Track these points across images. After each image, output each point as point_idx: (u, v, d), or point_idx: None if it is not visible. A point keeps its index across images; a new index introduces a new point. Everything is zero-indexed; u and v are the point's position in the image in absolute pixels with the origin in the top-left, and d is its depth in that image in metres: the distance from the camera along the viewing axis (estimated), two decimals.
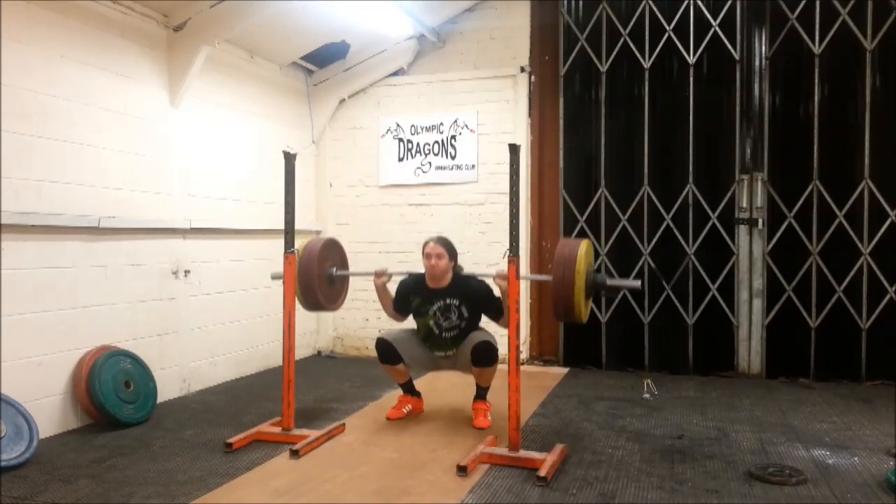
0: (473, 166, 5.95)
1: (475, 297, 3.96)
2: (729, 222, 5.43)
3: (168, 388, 4.55)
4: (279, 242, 3.82)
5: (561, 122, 5.81)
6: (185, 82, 4.59)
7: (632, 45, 5.60)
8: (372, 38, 5.82)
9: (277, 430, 3.72)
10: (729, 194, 5.41)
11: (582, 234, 5.74)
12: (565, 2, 5.78)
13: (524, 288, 5.74)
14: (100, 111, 4.10)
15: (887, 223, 5.11)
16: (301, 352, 6.03)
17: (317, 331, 6.44)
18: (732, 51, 5.38)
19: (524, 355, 5.85)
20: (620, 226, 5.64)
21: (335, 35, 5.69)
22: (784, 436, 3.78)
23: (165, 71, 4.58)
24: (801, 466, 3.25)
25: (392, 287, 4.14)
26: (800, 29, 5.24)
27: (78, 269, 3.94)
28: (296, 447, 3.43)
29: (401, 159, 6.16)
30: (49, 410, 3.75)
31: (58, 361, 3.82)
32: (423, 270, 3.99)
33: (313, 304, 3.88)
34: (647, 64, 5.57)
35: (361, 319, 6.35)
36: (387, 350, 4.01)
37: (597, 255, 5.67)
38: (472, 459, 3.24)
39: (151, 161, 4.47)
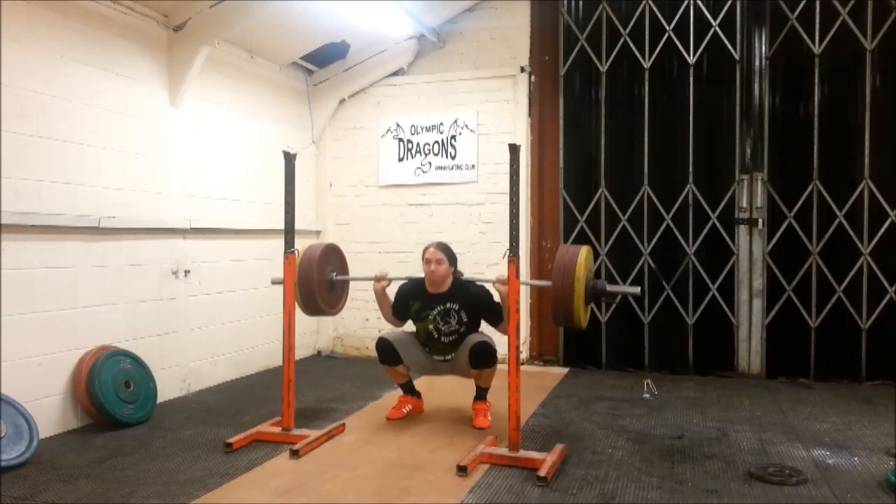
0: (473, 166, 5.95)
1: (475, 302, 3.96)
2: (729, 222, 5.43)
3: (168, 388, 4.55)
4: (279, 242, 3.82)
5: (561, 122, 5.81)
6: (185, 82, 4.59)
7: (632, 45, 5.60)
8: (372, 38, 5.82)
9: (277, 430, 3.72)
10: (729, 194, 5.41)
11: (582, 235, 5.75)
12: (565, 2, 5.78)
13: (524, 288, 5.74)
14: (100, 111, 4.10)
15: (887, 223, 5.11)
16: (301, 352, 6.03)
17: (317, 331, 6.44)
18: (732, 51, 5.38)
19: (524, 355, 5.85)
20: (620, 226, 5.64)
21: (335, 35, 5.69)
22: (784, 436, 3.78)
23: (165, 71, 4.58)
24: (801, 466, 3.25)
25: (391, 291, 4.13)
26: (800, 29, 5.24)
27: (78, 269, 3.94)
28: (296, 447, 3.43)
29: (401, 159, 6.16)
30: (49, 410, 3.75)
31: (58, 361, 3.82)
32: (422, 275, 3.98)
33: (313, 309, 3.89)
34: (647, 64, 5.57)
35: (361, 319, 6.35)
36: (387, 350, 4.01)
37: (596, 255, 5.68)
38: (472, 459, 3.24)
39: (151, 161, 4.47)
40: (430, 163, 6.06)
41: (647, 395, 4.69)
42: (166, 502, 2.86)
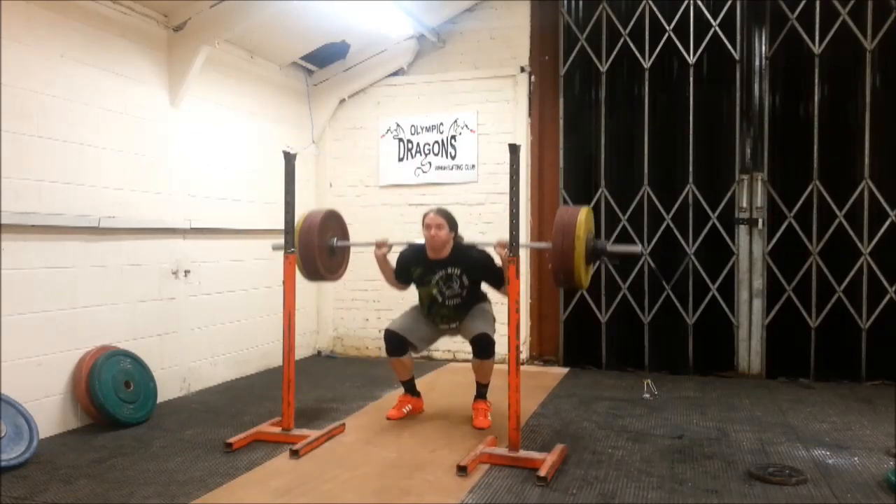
0: (473, 166, 5.95)
1: (476, 267, 3.97)
2: (729, 222, 5.43)
3: (168, 388, 4.55)
4: (279, 242, 3.81)
5: (561, 122, 5.81)
6: (185, 82, 4.59)
7: (632, 45, 5.60)
8: (372, 38, 5.82)
9: (277, 430, 3.72)
10: (729, 194, 5.41)
11: None
12: (565, 2, 5.78)
13: (524, 288, 5.75)
14: (100, 111, 4.10)
15: (887, 223, 5.11)
16: (301, 352, 6.03)
17: (317, 331, 6.44)
18: (732, 51, 5.38)
19: (524, 355, 5.85)
20: (620, 226, 5.64)
21: (335, 35, 5.69)
22: (784, 436, 3.78)
23: (165, 71, 4.58)
24: (801, 466, 3.25)
25: (391, 263, 4.15)
26: (800, 29, 5.24)
27: (78, 269, 3.94)
28: (296, 447, 3.43)
29: (401, 159, 6.17)
30: (49, 410, 3.75)
31: (58, 361, 3.82)
32: (422, 240, 3.98)
33: (314, 274, 3.85)
34: (647, 64, 5.57)
35: (361, 319, 6.36)
36: (393, 339, 4.03)
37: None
38: (472, 459, 3.24)
39: (151, 161, 4.47)
40: (430, 163, 6.06)
41: (647, 395, 4.69)
42: (166, 502, 2.85)
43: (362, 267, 6.32)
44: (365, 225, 6.31)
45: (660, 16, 5.53)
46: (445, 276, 3.97)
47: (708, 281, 5.46)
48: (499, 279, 3.89)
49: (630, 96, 5.64)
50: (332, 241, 3.93)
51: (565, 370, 5.63)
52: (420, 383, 4.34)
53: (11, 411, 3.39)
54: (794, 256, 5.30)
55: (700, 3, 5.45)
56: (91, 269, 4.03)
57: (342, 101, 6.30)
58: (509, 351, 3.36)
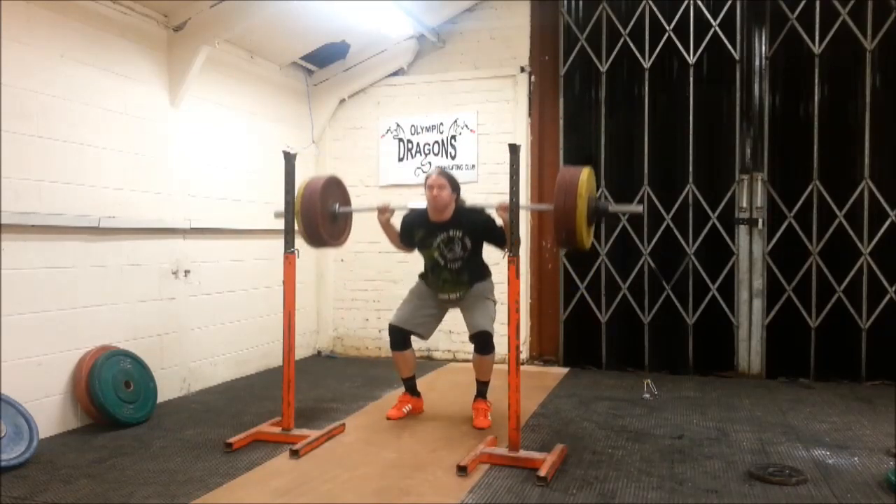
0: (473, 166, 5.95)
1: (478, 229, 3.96)
2: (729, 222, 5.43)
3: (168, 388, 4.55)
4: (279, 242, 3.82)
5: (561, 122, 5.81)
6: (185, 82, 4.59)
7: (632, 45, 5.60)
8: (372, 38, 5.82)
9: (277, 430, 3.72)
10: (729, 194, 5.41)
11: None
12: (565, 2, 5.78)
13: (524, 288, 5.75)
14: (100, 111, 4.10)
15: (887, 223, 5.11)
16: (301, 352, 6.03)
17: (317, 331, 6.44)
18: (732, 51, 5.38)
19: (524, 355, 5.85)
20: (620, 226, 5.64)
21: (335, 35, 5.69)
22: (784, 436, 3.78)
23: (165, 71, 4.58)
24: (801, 466, 3.25)
25: (395, 227, 4.17)
26: (800, 29, 5.24)
27: (78, 269, 3.94)
28: (296, 447, 3.43)
29: (401, 159, 6.17)
30: (49, 410, 3.75)
31: (58, 361, 3.82)
32: (424, 204, 3.99)
33: (316, 239, 3.84)
34: (647, 64, 5.57)
35: (361, 319, 6.36)
36: (396, 332, 4.06)
37: (597, 255, 5.68)
38: (472, 459, 3.24)
39: (151, 161, 4.47)
40: (430, 163, 6.06)
41: (647, 395, 4.69)
42: (166, 502, 2.85)
43: (362, 267, 6.35)
44: (365, 225, 6.31)
45: (660, 16, 5.53)
46: (447, 239, 3.95)
47: (708, 281, 5.46)
48: (501, 239, 3.89)
49: (630, 96, 5.64)
50: (334, 207, 3.90)
51: (565, 370, 5.63)
52: (420, 383, 4.34)
53: (11, 411, 3.39)
54: (794, 256, 5.30)
55: (700, 3, 5.45)
56: (91, 269, 4.03)
57: (342, 101, 6.30)
58: (509, 351, 3.36)
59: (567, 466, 3.26)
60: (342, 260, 6.42)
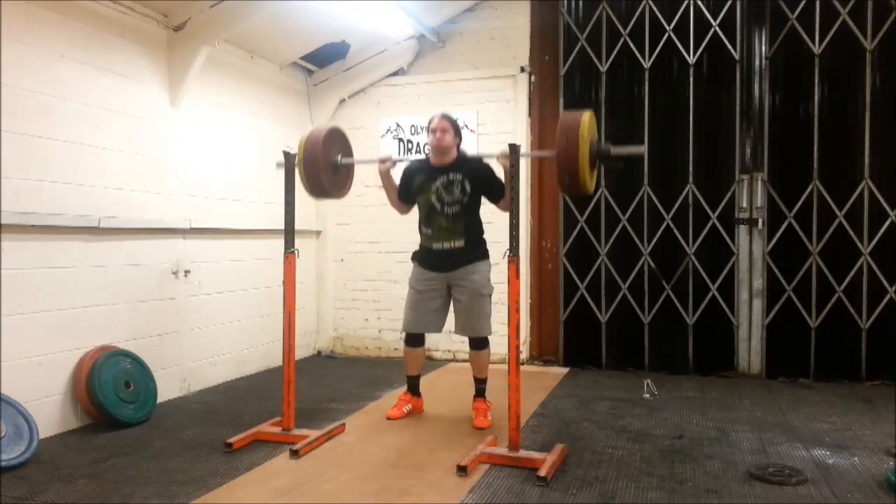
0: None
1: (479, 175, 3.96)
2: (729, 222, 5.43)
3: (168, 388, 4.55)
4: (279, 242, 3.82)
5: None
6: (185, 82, 4.59)
7: (632, 45, 5.60)
8: (372, 38, 5.82)
9: (277, 430, 3.72)
10: (729, 194, 5.41)
11: (582, 235, 5.75)
12: (565, 2, 5.79)
13: (524, 288, 5.75)
14: (100, 111, 4.10)
15: (887, 223, 5.11)
16: (301, 352, 6.03)
17: (317, 331, 6.44)
18: (732, 51, 5.38)
19: (524, 355, 5.85)
20: (620, 226, 5.64)
21: (335, 35, 5.69)
22: (784, 436, 3.78)
23: (165, 71, 4.58)
24: (801, 466, 3.25)
25: (395, 181, 4.18)
26: (800, 29, 5.24)
27: (78, 269, 3.94)
28: (296, 447, 3.43)
29: (401, 161, 6.15)
30: (49, 410, 3.75)
31: (58, 361, 3.82)
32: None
33: (319, 190, 3.81)
34: (647, 64, 5.57)
35: (361, 319, 6.36)
36: (410, 336, 4.13)
37: (596, 255, 5.69)
38: (472, 459, 3.24)
39: (151, 161, 4.47)
40: None
41: (647, 395, 4.69)
42: (166, 502, 2.85)
43: (362, 267, 6.35)
44: (365, 225, 6.33)
45: (660, 16, 5.53)
46: (447, 182, 3.94)
47: (708, 281, 5.46)
48: (500, 189, 3.92)
49: (630, 96, 5.64)
50: (336, 158, 3.89)
51: (565, 370, 5.63)
52: (420, 383, 4.33)
53: (11, 411, 3.38)
54: (794, 256, 5.30)
55: (700, 3, 5.45)
56: (91, 269, 4.03)
57: (342, 101, 6.30)
58: (509, 351, 3.36)
59: (567, 466, 3.26)
60: (342, 260, 6.42)
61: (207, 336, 4.97)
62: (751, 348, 5.42)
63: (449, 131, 3.93)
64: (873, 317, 5.15)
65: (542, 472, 3.06)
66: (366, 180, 6.25)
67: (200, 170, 4.90)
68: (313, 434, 3.63)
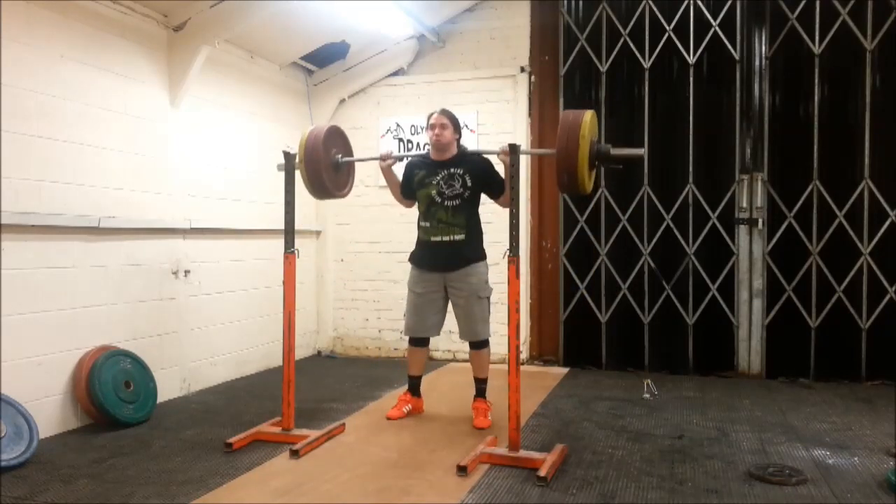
0: None
1: (479, 170, 3.98)
2: (729, 222, 5.43)
3: (168, 388, 4.55)
4: (279, 242, 3.82)
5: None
6: (185, 82, 4.59)
7: (632, 45, 5.60)
8: (372, 38, 5.82)
9: (277, 430, 3.72)
10: (729, 194, 5.41)
11: (582, 235, 5.75)
12: (565, 2, 5.78)
13: (524, 288, 5.75)
14: (100, 111, 4.10)
15: (887, 223, 5.11)
16: (301, 352, 6.03)
17: (317, 331, 6.44)
18: (732, 51, 5.38)
19: (524, 355, 5.85)
20: (620, 226, 5.64)
21: (335, 35, 5.69)
22: (784, 436, 3.78)
23: (165, 71, 4.58)
24: (801, 466, 3.25)
25: (398, 176, 4.19)
26: (800, 29, 5.24)
27: (78, 269, 3.94)
28: (296, 447, 3.43)
29: (401, 160, 6.15)
30: (49, 410, 3.75)
31: (58, 361, 3.82)
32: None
33: (321, 189, 3.82)
34: (647, 64, 5.57)
35: (361, 319, 6.36)
36: (414, 338, 4.15)
37: (596, 255, 5.69)
38: (472, 459, 3.24)
39: (151, 161, 4.47)
40: None
41: (647, 395, 4.69)
42: (166, 502, 2.86)
43: (362, 267, 6.35)
44: (365, 225, 6.33)
45: (660, 16, 5.53)
46: (447, 176, 3.95)
47: (708, 281, 5.46)
48: (500, 186, 3.93)
49: (630, 96, 5.64)
50: (336, 157, 3.90)
51: (565, 370, 5.63)
52: (421, 383, 4.33)
53: (11, 411, 3.38)
54: (794, 256, 5.30)
55: (700, 3, 5.45)
56: (91, 269, 4.03)
57: (342, 101, 6.30)
58: (509, 351, 3.36)
59: (567, 466, 3.26)
60: (342, 260, 6.42)
61: (207, 336, 4.97)
62: (751, 348, 5.42)
63: (448, 127, 3.95)
64: (873, 317, 5.15)
65: (542, 472, 3.06)
66: (366, 180, 6.26)
67: (200, 170, 4.90)
68: (313, 434, 3.63)
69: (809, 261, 5.26)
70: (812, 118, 5.22)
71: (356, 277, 6.38)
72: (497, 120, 5.90)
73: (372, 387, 4.98)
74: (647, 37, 5.56)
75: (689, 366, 5.49)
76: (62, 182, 3.84)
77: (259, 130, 5.55)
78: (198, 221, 4.80)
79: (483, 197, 4.07)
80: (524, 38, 5.88)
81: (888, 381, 5.02)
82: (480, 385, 4.09)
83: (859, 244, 5.16)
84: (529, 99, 5.86)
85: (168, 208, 4.59)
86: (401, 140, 6.15)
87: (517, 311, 3.35)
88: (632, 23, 5.60)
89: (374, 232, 6.27)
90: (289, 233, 3.74)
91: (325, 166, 3.74)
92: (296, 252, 3.76)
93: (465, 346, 4.16)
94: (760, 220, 5.35)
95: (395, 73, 6.17)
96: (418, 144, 6.09)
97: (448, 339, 5.87)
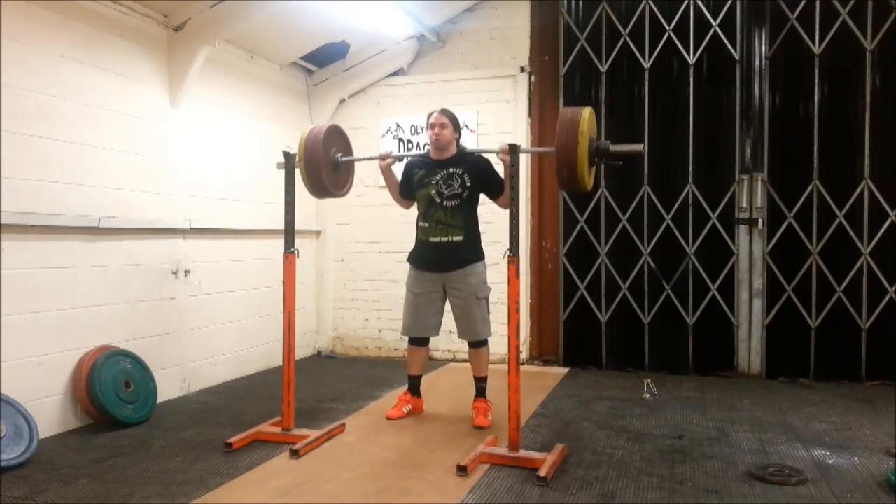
0: None
1: (479, 170, 3.98)
2: (729, 222, 5.43)
3: (168, 388, 4.55)
4: (279, 242, 3.82)
5: None
6: (185, 82, 4.59)
7: (632, 45, 5.60)
8: (372, 38, 5.82)
9: (277, 430, 3.72)
10: (729, 194, 5.41)
11: (582, 235, 5.75)
12: (565, 2, 5.79)
13: (524, 288, 5.75)
14: (100, 111, 4.10)
15: (887, 223, 5.11)
16: (301, 352, 6.03)
17: (317, 331, 6.44)
18: (732, 51, 5.38)
19: (524, 355, 5.85)
20: (620, 226, 5.64)
21: (335, 35, 5.69)
22: (784, 436, 3.78)
23: (165, 71, 4.58)
24: (801, 466, 3.25)
25: (396, 176, 4.20)
26: (800, 29, 5.24)
27: (78, 269, 3.94)
28: (296, 447, 3.43)
29: (401, 159, 6.14)
30: (49, 410, 3.75)
31: (58, 361, 3.82)
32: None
33: (320, 189, 3.82)
34: (647, 64, 5.57)
35: (361, 319, 6.36)
36: (413, 338, 4.14)
37: (596, 255, 5.69)
38: (472, 459, 3.24)
39: (151, 161, 4.47)
40: None
41: (647, 395, 4.69)
42: (166, 502, 2.86)
43: (362, 267, 6.35)
44: (365, 225, 6.33)
45: (660, 16, 5.53)
46: (447, 175, 3.95)
47: (708, 281, 5.46)
48: (500, 186, 3.93)
49: (630, 96, 5.64)
50: (336, 156, 3.89)
51: (565, 370, 5.63)
52: (421, 383, 4.33)
53: (11, 411, 3.38)
54: (794, 256, 5.30)
55: (700, 3, 5.45)
56: (91, 269, 4.03)
57: (342, 101, 6.30)
58: (509, 351, 3.36)
59: (567, 466, 3.26)
60: (342, 260, 6.42)
61: (207, 336, 4.97)
62: (751, 348, 5.42)
63: (448, 126, 3.96)
64: (873, 317, 5.15)
65: (542, 472, 3.06)
66: (366, 180, 6.26)
67: (200, 170, 4.90)
68: (313, 434, 3.63)
69: (809, 261, 5.26)
70: (812, 118, 5.22)
71: (356, 277, 6.38)
72: (497, 120, 5.90)
73: (372, 387, 4.98)
74: (647, 37, 5.56)
75: (689, 366, 5.49)
76: (62, 182, 3.84)
77: (259, 130, 5.55)
78: (198, 221, 4.80)
79: (483, 197, 4.07)
80: (524, 38, 5.88)
81: (888, 381, 5.02)
82: (480, 384, 4.09)
83: (859, 244, 5.16)
84: (529, 99, 5.86)
85: (168, 208, 4.59)
86: (401, 140, 6.15)
87: (517, 311, 3.35)
88: (632, 23, 5.60)
89: (374, 232, 6.27)
90: (289, 233, 3.74)
91: (324, 165, 3.74)
92: (296, 252, 3.76)
93: (465, 346, 4.16)
94: (760, 220, 5.35)
95: (395, 73, 6.17)
96: (418, 144, 6.09)
97: (448, 339, 5.87)
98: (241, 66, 5.31)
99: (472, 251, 4.01)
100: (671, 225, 5.52)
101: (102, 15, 4.11)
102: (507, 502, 2.87)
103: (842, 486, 3.01)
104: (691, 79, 5.47)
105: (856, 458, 3.39)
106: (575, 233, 5.76)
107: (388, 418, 4.08)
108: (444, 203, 3.95)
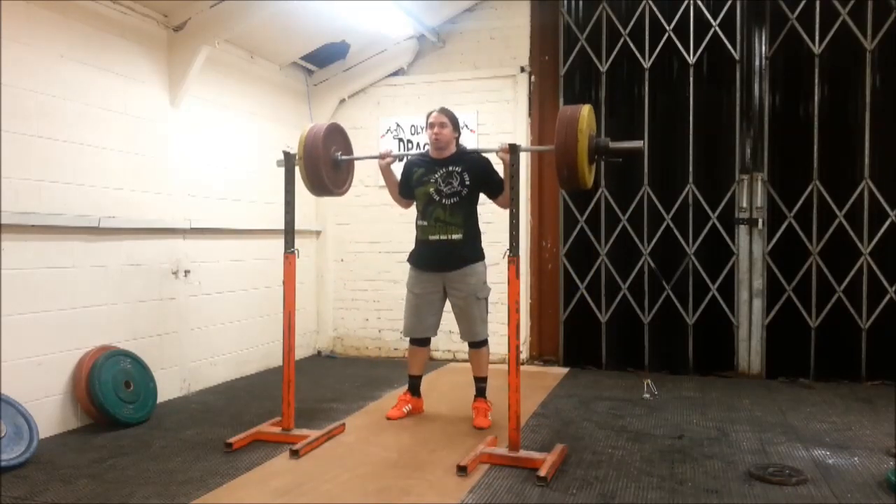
0: None
1: (478, 168, 3.98)
2: (729, 222, 5.43)
3: (168, 388, 4.55)
4: (279, 242, 3.82)
5: None
6: (185, 82, 4.59)
7: (632, 45, 5.60)
8: (372, 38, 5.82)
9: (277, 430, 3.72)
10: (729, 194, 5.41)
11: (582, 235, 5.75)
12: (565, 2, 5.79)
13: (524, 288, 5.75)
14: (100, 111, 4.10)
15: (887, 223, 5.11)
16: (301, 352, 6.03)
17: (317, 331, 6.44)
18: (732, 51, 5.38)
19: (524, 355, 5.86)
20: (620, 226, 5.64)
21: (335, 35, 5.69)
22: (784, 436, 3.78)
23: (165, 71, 4.58)
24: (801, 466, 3.25)
25: (396, 175, 4.20)
26: (800, 29, 5.24)
27: (78, 269, 3.94)
28: (296, 447, 3.43)
29: (401, 159, 6.14)
30: (49, 410, 3.75)
31: (58, 361, 3.82)
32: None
33: (320, 187, 3.81)
34: (647, 64, 5.57)
35: (361, 319, 6.36)
36: (414, 339, 4.15)
37: (596, 255, 5.69)
38: (472, 459, 3.24)
39: (151, 161, 4.47)
40: None
41: (647, 395, 4.69)
42: (166, 502, 2.86)
43: (362, 267, 6.35)
44: (365, 225, 6.33)
45: (660, 16, 5.53)
46: (446, 174, 3.95)
47: (708, 281, 5.46)
48: (499, 185, 3.93)
49: (630, 96, 5.64)
50: (336, 155, 3.89)
51: (565, 370, 5.63)
52: (421, 383, 4.33)
53: (11, 411, 3.39)
54: (794, 256, 5.30)
55: (700, 3, 5.45)
56: (91, 269, 4.03)
57: (342, 101, 6.30)
58: (509, 351, 3.36)
59: (567, 466, 3.26)
60: (342, 260, 6.43)
61: (207, 336, 4.97)
62: (751, 348, 5.42)
63: (447, 125, 3.96)
64: (873, 317, 5.15)
65: (542, 472, 3.06)
66: (366, 180, 6.26)
67: (200, 170, 4.90)
68: (313, 434, 3.63)
69: (809, 261, 5.26)
70: (812, 118, 5.22)
71: (356, 277, 6.38)
72: (497, 120, 5.90)
73: (372, 387, 4.98)
74: (647, 37, 5.56)
75: (689, 366, 5.49)
76: (62, 182, 3.84)
77: (259, 130, 5.55)
78: (198, 221, 4.80)
79: (483, 197, 4.07)
80: (524, 38, 5.88)
81: (888, 381, 5.02)
82: (480, 384, 4.09)
83: (859, 244, 5.16)
84: (529, 99, 5.86)
85: (168, 208, 4.59)
86: (401, 140, 6.16)
87: (517, 311, 3.35)
88: (632, 23, 5.60)
89: (374, 232, 6.28)
90: (289, 233, 3.74)
91: (324, 163, 3.74)
92: (296, 252, 3.76)
93: (465, 346, 4.16)
94: (760, 220, 5.35)
95: (395, 73, 6.17)
96: (418, 144, 6.09)
97: (448, 339, 5.88)
98: (241, 66, 5.31)
99: (471, 250, 4.00)
100: (671, 225, 5.52)
101: (102, 15, 4.11)
102: (507, 502, 2.87)
103: (842, 486, 3.01)
104: (691, 79, 5.47)
105: (856, 458, 3.39)
106: (575, 233, 5.76)
107: (388, 418, 4.08)
108: (443, 201, 3.95)
